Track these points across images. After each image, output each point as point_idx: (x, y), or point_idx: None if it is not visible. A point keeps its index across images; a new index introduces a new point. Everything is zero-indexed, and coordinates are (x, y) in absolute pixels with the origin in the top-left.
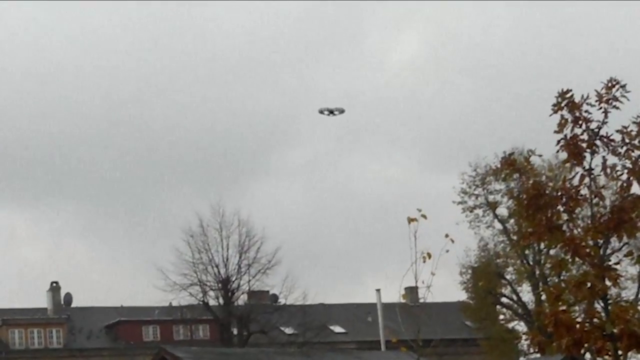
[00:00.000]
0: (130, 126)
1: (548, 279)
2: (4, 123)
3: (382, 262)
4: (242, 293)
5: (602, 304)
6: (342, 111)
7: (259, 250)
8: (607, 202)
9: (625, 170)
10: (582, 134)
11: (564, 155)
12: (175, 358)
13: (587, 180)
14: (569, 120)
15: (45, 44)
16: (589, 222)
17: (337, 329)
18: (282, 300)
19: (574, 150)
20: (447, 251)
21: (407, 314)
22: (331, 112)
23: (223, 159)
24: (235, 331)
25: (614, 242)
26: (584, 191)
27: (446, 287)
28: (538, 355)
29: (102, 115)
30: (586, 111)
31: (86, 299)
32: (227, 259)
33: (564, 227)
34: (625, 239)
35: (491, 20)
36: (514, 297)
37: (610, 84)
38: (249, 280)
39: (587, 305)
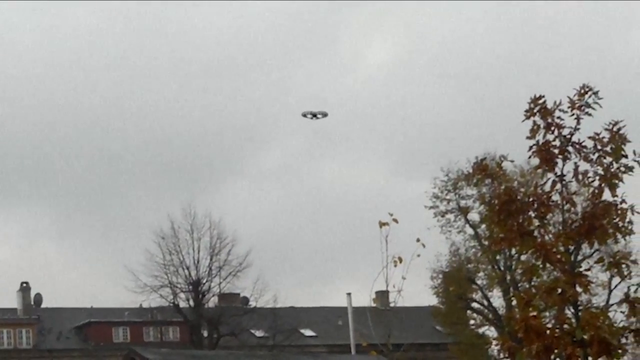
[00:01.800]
0: (103, 127)
1: (519, 285)
2: None
3: (353, 266)
4: (213, 295)
5: (572, 310)
6: (325, 115)
7: (230, 252)
8: (579, 209)
9: (597, 177)
10: (554, 140)
11: (536, 161)
12: None
13: (558, 186)
14: (541, 126)
15: (17, 45)
16: (560, 228)
17: (308, 332)
18: (252, 303)
19: (545, 156)
20: (419, 256)
21: (378, 318)
22: (314, 115)
23: (195, 161)
24: (205, 333)
25: (585, 248)
26: (556, 197)
27: (417, 291)
28: None
29: (75, 117)
30: (558, 117)
31: (56, 299)
32: (198, 261)
33: (535, 233)
34: (596, 246)
35: (464, 25)
36: (485, 303)
37: (582, 91)
38: (220, 283)
39: (558, 311)
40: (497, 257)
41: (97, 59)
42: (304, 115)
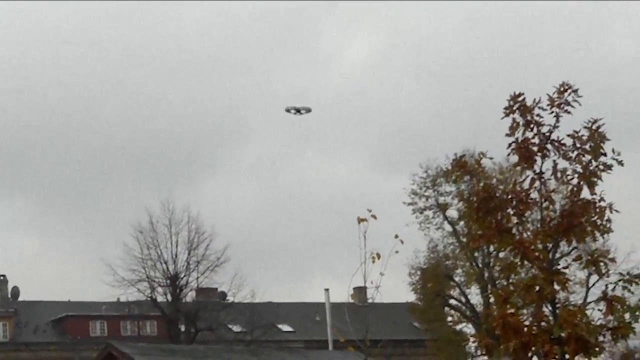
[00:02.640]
0: (81, 121)
1: (497, 282)
2: None
3: (332, 262)
4: (191, 290)
5: (550, 308)
6: (308, 110)
7: (208, 247)
8: (557, 206)
9: (576, 175)
10: (533, 138)
11: (515, 158)
12: (122, 354)
13: (537, 183)
14: (521, 123)
15: None
16: (539, 225)
17: (285, 327)
18: (230, 298)
19: (525, 154)
20: (397, 252)
21: (356, 314)
22: (298, 110)
23: (174, 155)
24: (182, 328)
25: (563, 246)
26: (534, 195)
27: (395, 288)
28: (485, 357)
29: (52, 109)
30: (538, 115)
31: (33, 292)
32: (176, 256)
33: (514, 230)
34: (574, 243)
35: (444, 22)
36: (463, 299)
37: (562, 88)
38: (198, 277)
39: (535, 308)
40: (475, 254)
41: (76, 52)
42: (288, 110)
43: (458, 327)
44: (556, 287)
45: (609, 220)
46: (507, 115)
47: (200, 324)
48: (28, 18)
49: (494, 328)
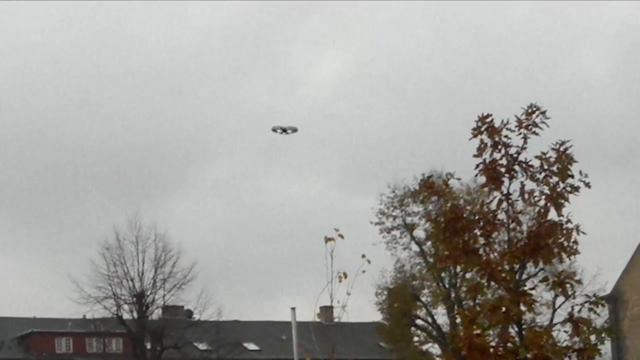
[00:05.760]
0: (48, 137)
1: (463, 302)
2: None
3: (298, 281)
4: (157, 307)
5: (516, 329)
6: (294, 130)
7: (175, 265)
8: (524, 228)
9: (543, 196)
10: (501, 159)
11: (482, 179)
12: None
13: (504, 205)
14: (489, 144)
15: None
16: (506, 246)
17: (251, 346)
18: (196, 316)
19: (492, 175)
20: (364, 271)
21: (322, 333)
22: (284, 130)
23: (141, 172)
24: (148, 346)
25: (530, 267)
26: (502, 216)
27: (361, 307)
28: None
29: (19, 125)
30: (506, 136)
31: None
32: (142, 273)
33: (481, 251)
34: (541, 265)
35: (413, 42)
36: (429, 320)
37: (530, 110)
38: (164, 295)
39: (502, 329)
40: (442, 275)
41: (43, 66)
42: (274, 130)
43: (424, 347)
44: (522, 308)
45: (575, 242)
46: (475, 136)
47: (166, 342)
48: None
49: (460, 349)
